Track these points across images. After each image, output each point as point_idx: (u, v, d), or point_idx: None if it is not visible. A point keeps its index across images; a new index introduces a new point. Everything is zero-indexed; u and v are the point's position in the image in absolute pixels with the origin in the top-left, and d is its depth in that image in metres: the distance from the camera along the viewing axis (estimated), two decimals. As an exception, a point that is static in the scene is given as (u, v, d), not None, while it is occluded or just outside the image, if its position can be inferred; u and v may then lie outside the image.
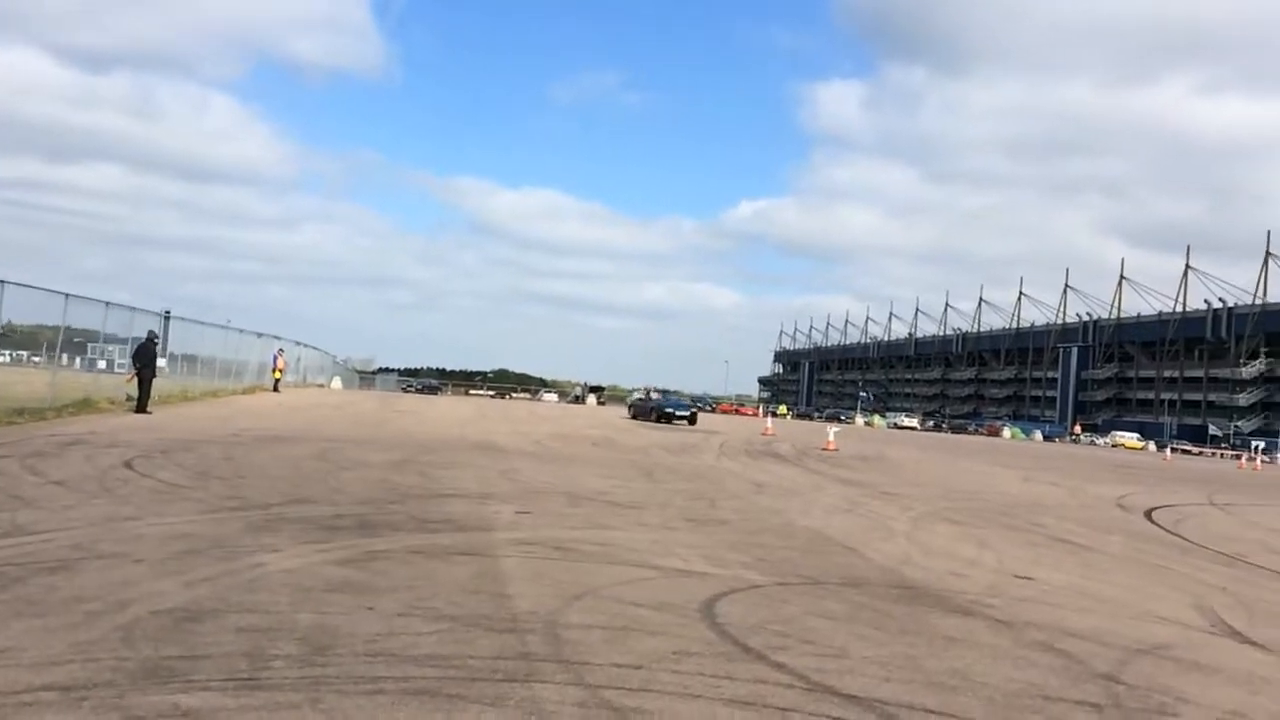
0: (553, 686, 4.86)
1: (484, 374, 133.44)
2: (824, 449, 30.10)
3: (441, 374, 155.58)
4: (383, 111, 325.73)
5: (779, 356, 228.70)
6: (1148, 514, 17.52)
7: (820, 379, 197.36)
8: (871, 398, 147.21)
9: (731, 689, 5.03)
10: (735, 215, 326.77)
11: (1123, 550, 12.21)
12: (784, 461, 23.64)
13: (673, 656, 5.51)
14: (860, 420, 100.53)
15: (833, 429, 36.00)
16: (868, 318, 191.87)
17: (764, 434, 38.53)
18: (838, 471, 21.54)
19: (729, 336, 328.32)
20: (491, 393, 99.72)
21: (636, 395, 56.52)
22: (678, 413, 45.38)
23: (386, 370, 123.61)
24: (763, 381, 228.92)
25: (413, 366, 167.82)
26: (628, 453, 22.18)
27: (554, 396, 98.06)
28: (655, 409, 45.86)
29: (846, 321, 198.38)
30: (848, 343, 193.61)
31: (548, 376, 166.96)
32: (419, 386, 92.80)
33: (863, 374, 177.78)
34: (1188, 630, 7.54)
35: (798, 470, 21.24)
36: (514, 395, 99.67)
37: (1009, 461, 35.77)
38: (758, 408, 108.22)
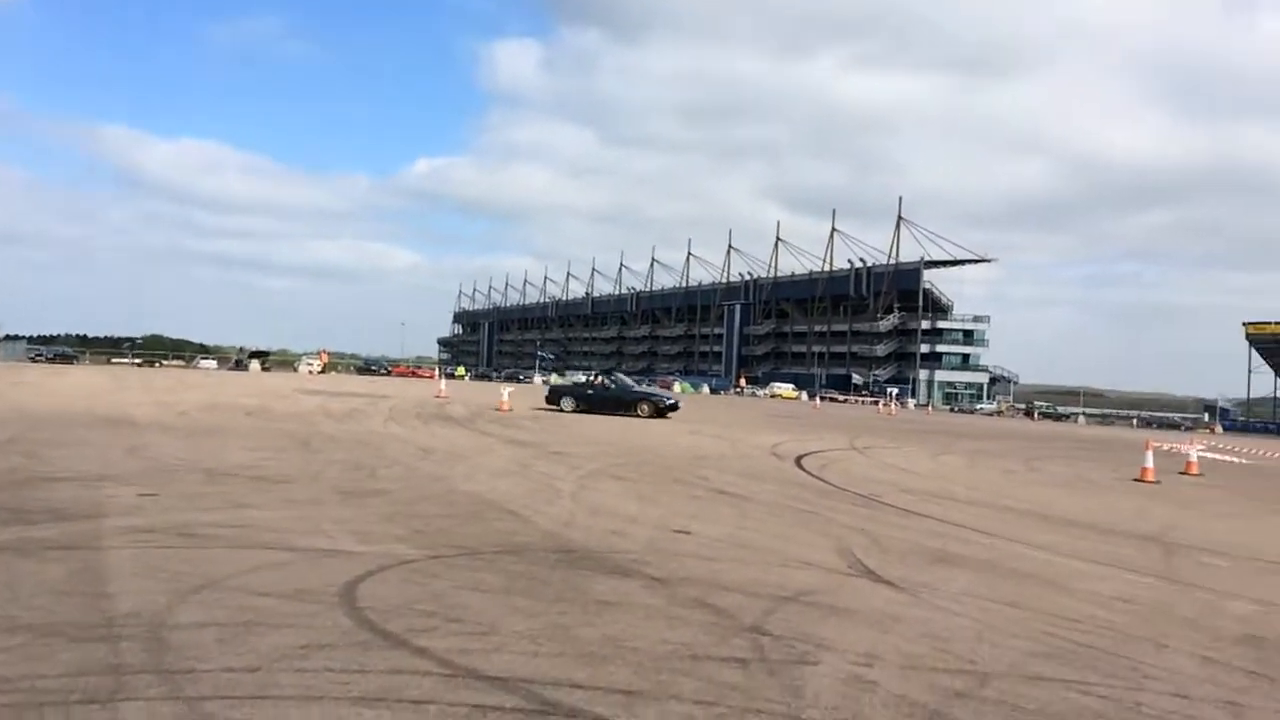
0: (143, 704, 4.14)
1: (133, 340, 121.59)
2: (498, 410, 29.85)
3: (83, 341, 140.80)
4: (11, 50, 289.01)
5: (458, 317, 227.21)
6: (798, 461, 18.61)
7: (500, 339, 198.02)
8: (551, 357, 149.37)
9: (363, 684, 4.51)
10: (412, 173, 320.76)
11: (775, 498, 12.77)
12: (455, 424, 23.11)
13: (299, 652, 4.90)
14: (539, 380, 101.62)
15: (507, 390, 35.81)
16: (546, 277, 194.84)
17: (438, 396, 37.73)
18: (510, 433, 21.30)
19: (407, 297, 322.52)
20: (138, 361, 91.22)
21: (576, 379, 41.93)
22: (665, 403, 32.87)
23: (14, 338, 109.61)
24: (442, 343, 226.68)
25: (49, 333, 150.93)
26: (285, 421, 20.76)
27: (213, 363, 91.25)
28: (623, 398, 32.56)
29: (525, 281, 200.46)
30: (527, 303, 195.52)
31: (209, 342, 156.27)
32: (50, 355, 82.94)
33: (542, 333, 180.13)
34: (829, 574, 7.83)
35: (468, 433, 20.79)
36: (164, 364, 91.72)
37: (677, 415, 37.20)
38: (434, 370, 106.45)
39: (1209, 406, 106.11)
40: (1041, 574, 8.54)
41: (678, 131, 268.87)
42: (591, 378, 38.14)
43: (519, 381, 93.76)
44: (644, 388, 38.47)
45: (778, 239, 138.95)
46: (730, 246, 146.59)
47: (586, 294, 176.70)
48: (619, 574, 7.26)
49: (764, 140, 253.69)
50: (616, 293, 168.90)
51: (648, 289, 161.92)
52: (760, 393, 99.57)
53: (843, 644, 5.67)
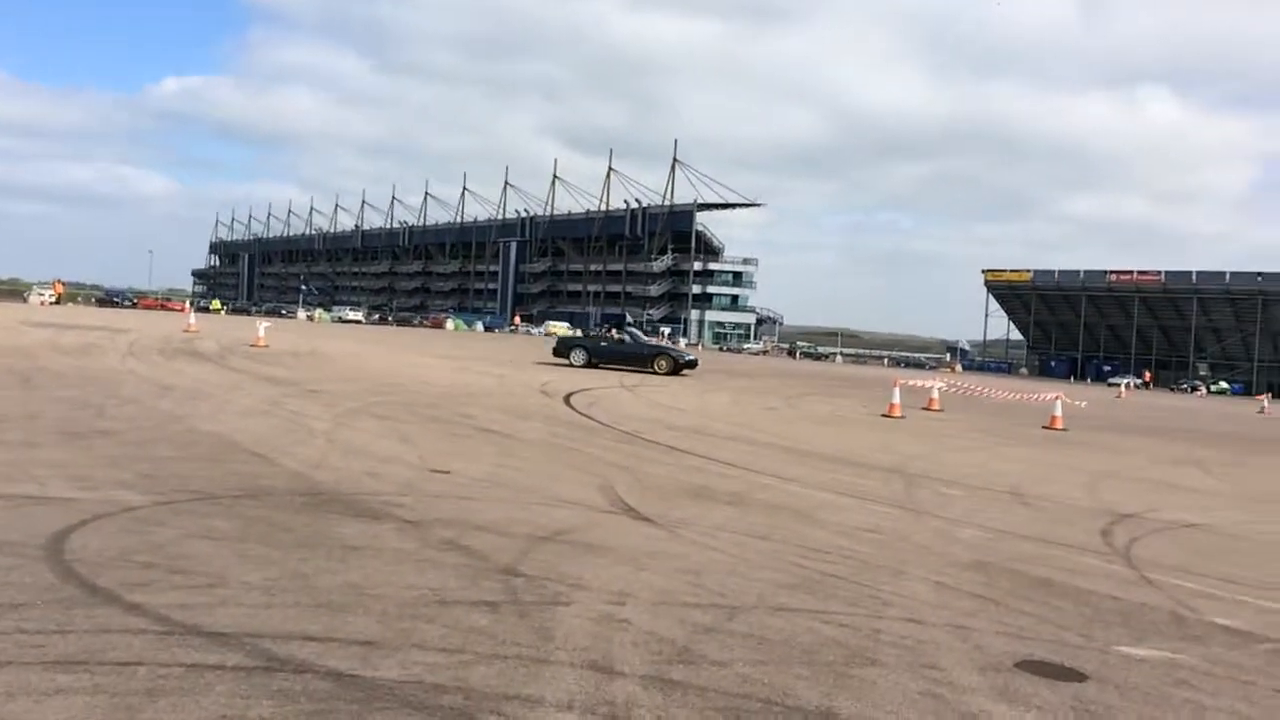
0: None
1: None
2: (253, 346, 28.23)
3: None
4: None
5: (215, 248, 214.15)
6: (566, 399, 18.57)
7: (263, 272, 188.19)
8: (316, 291, 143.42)
9: (61, 646, 4.00)
10: (161, 91, 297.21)
11: (540, 436, 12.63)
12: (203, 360, 21.65)
13: (-13, 614, 4.30)
14: (303, 314, 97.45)
15: (263, 324, 33.90)
16: (313, 208, 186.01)
17: (187, 331, 35.31)
18: (264, 369, 20.15)
19: (158, 225, 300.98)
20: None
21: (585, 329, 39.77)
22: (684, 359, 31.52)
23: None
24: (197, 275, 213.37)
25: None
26: (3, 356, 18.78)
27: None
28: (640, 353, 30.70)
29: (290, 212, 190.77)
30: (292, 234, 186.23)
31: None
32: None
33: (308, 267, 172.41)
34: (589, 512, 7.76)
35: (217, 369, 19.51)
36: None
37: (447, 352, 36.51)
38: (186, 303, 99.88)
39: (951, 347, 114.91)
40: (794, 506, 8.81)
41: (455, 63, 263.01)
42: (606, 330, 36.37)
43: (281, 316, 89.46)
44: (659, 342, 38.39)
45: (555, 177, 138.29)
46: (507, 183, 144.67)
47: (356, 227, 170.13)
48: (369, 517, 6.91)
49: (544, 76, 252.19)
50: (388, 227, 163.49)
51: (421, 224, 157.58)
52: (535, 331, 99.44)
53: (597, 583, 5.58)
